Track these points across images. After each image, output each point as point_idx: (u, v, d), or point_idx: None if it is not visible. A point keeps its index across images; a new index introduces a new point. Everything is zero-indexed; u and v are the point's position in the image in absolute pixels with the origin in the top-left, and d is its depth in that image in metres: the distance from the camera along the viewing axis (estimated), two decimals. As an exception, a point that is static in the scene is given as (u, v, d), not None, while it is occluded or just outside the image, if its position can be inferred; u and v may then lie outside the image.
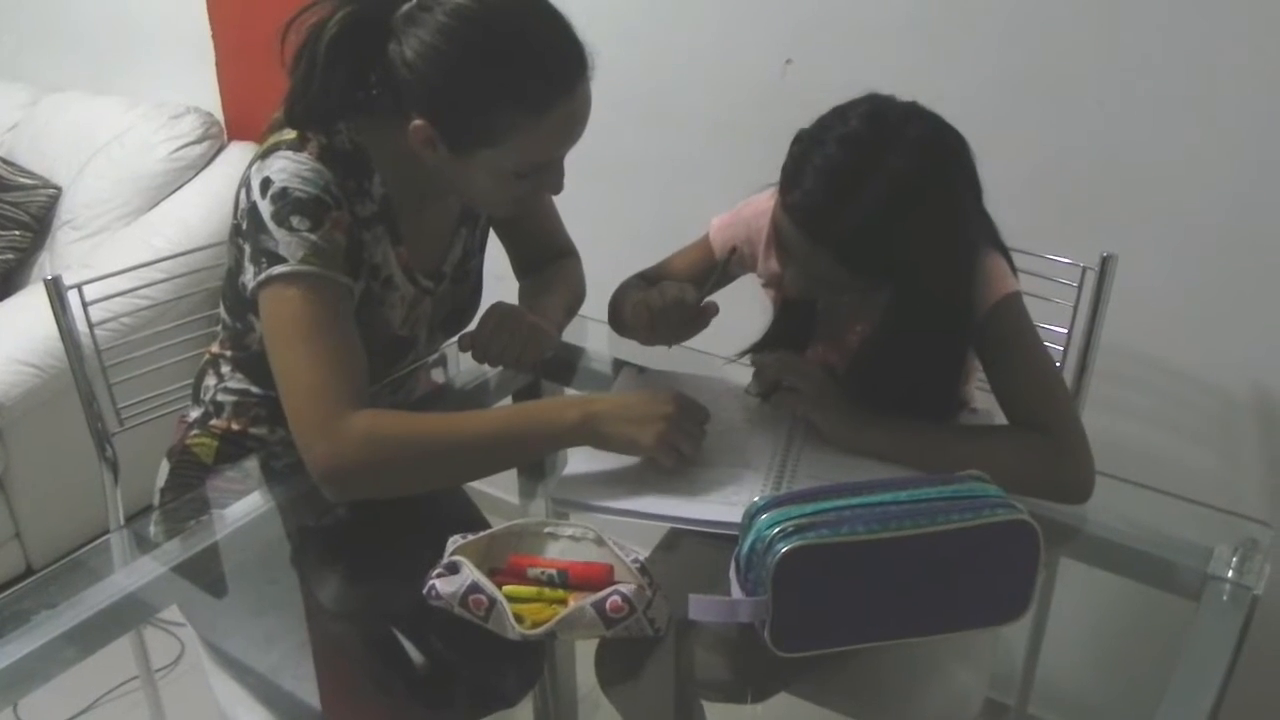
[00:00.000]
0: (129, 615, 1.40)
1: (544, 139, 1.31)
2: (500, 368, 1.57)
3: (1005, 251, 1.42)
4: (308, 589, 1.47)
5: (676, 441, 1.30)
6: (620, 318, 1.62)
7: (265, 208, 1.31)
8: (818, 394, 1.39)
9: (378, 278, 1.45)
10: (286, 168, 1.32)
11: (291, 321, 1.30)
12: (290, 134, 1.36)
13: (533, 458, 1.35)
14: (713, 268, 1.50)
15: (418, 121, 1.29)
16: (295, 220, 1.30)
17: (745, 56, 2.12)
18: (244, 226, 1.35)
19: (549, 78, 1.28)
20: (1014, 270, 1.41)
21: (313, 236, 1.30)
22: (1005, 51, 1.88)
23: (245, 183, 1.36)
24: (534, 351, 1.51)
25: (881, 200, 1.21)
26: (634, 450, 1.32)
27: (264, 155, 1.35)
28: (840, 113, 1.28)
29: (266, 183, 1.32)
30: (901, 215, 1.22)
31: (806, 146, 1.28)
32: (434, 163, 1.34)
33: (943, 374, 1.39)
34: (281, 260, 1.29)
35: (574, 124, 1.33)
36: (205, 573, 1.46)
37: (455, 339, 1.53)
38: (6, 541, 2.61)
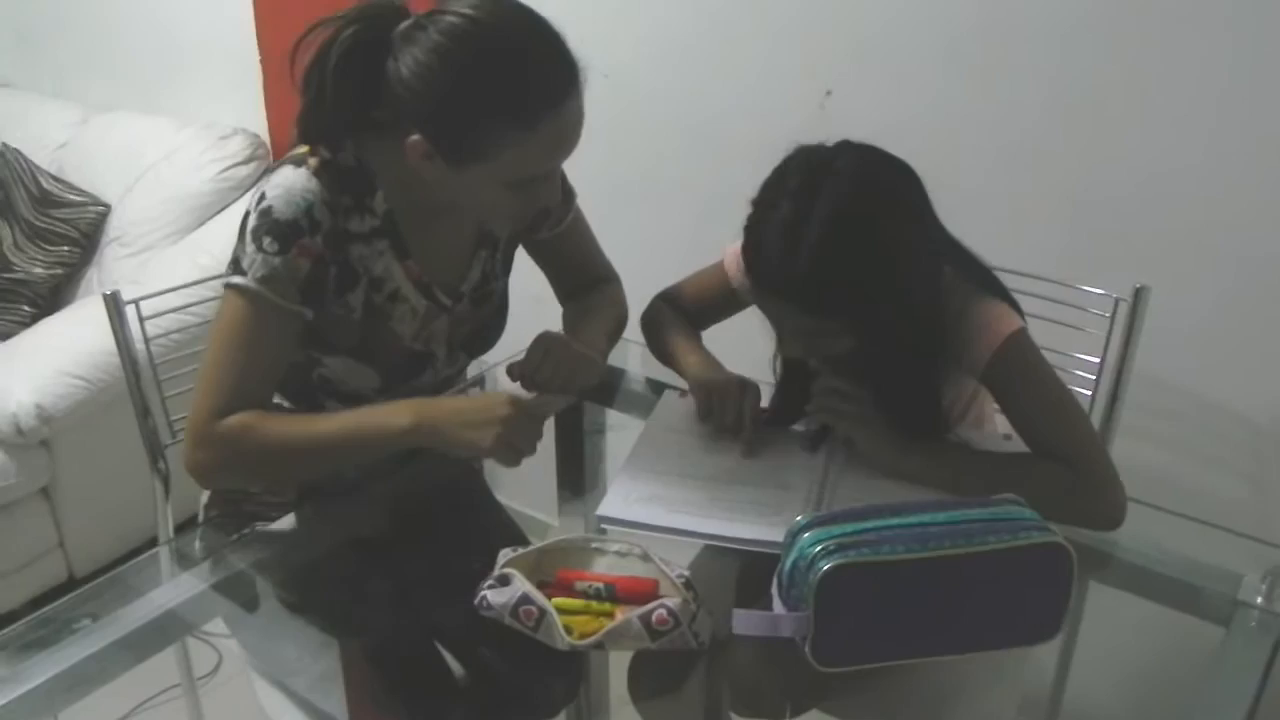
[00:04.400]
0: (175, 627, 1.43)
1: (534, 153, 1.34)
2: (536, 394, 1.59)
3: (1003, 293, 1.43)
4: (351, 601, 1.48)
5: (515, 442, 1.33)
6: (661, 348, 1.68)
7: (251, 219, 1.38)
8: (860, 416, 1.41)
9: (380, 291, 1.49)
10: (280, 184, 1.38)
11: (225, 328, 1.39)
12: (301, 149, 1.42)
13: (375, 456, 1.43)
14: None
15: (414, 137, 1.33)
16: (266, 241, 1.36)
17: (786, 87, 2.15)
18: (239, 229, 1.41)
19: (537, 94, 1.30)
20: (1017, 308, 1.43)
21: (275, 260, 1.36)
22: (1039, 83, 1.90)
23: (253, 191, 1.42)
24: (581, 380, 1.53)
25: (827, 242, 1.25)
26: (475, 453, 1.36)
27: (272, 170, 1.42)
28: (778, 173, 1.32)
29: (261, 196, 1.39)
30: (850, 250, 1.26)
31: (755, 214, 1.32)
32: (432, 177, 1.37)
33: (919, 401, 1.41)
34: (242, 273, 1.37)
35: (564, 138, 1.36)
36: (250, 586, 1.49)
37: (505, 368, 1.54)
38: (51, 550, 2.65)
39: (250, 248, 1.37)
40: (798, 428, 1.54)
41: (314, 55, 1.35)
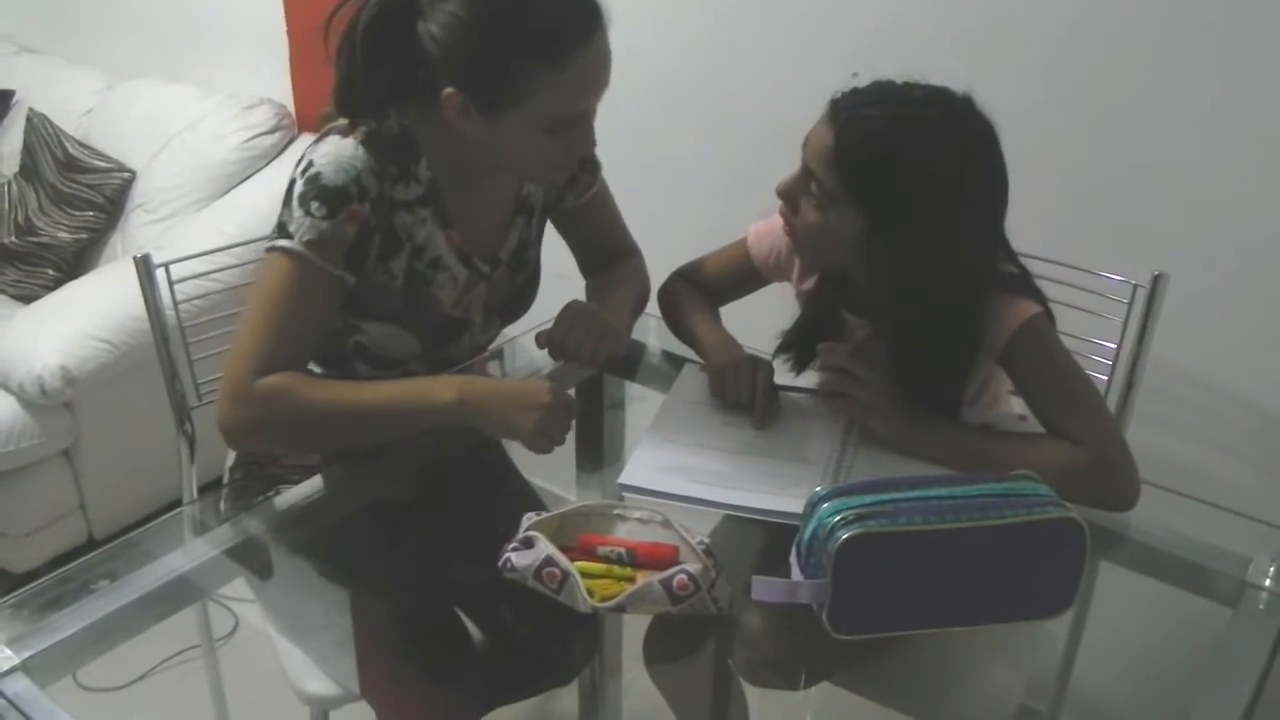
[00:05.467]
0: (194, 589, 1.46)
1: (566, 91, 1.36)
2: (563, 362, 1.62)
3: (1024, 281, 1.44)
4: (372, 565, 1.51)
5: (551, 430, 1.37)
6: (678, 325, 1.70)
7: (298, 185, 1.40)
8: (873, 401, 1.43)
9: (422, 258, 1.51)
10: (329, 152, 1.40)
11: (267, 288, 1.40)
12: (342, 121, 1.44)
13: (413, 430, 1.44)
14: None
15: (448, 90, 1.35)
16: (314, 205, 1.38)
17: (812, 68, 2.16)
18: (285, 195, 1.43)
19: (565, 31, 1.33)
20: (1039, 298, 1.43)
21: (324, 225, 1.38)
22: (1060, 70, 1.91)
23: (298, 160, 1.44)
24: (608, 349, 1.56)
25: (900, 122, 1.30)
26: (513, 435, 1.39)
27: (319, 138, 1.44)
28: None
29: (309, 164, 1.40)
30: (910, 146, 1.29)
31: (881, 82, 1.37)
32: (470, 132, 1.39)
33: (941, 382, 1.43)
34: (289, 236, 1.39)
35: (595, 75, 1.38)
36: (273, 548, 1.51)
37: (534, 336, 1.58)
38: (72, 512, 2.67)
39: (298, 213, 1.38)
40: (799, 396, 1.56)
41: (345, 27, 1.38)
